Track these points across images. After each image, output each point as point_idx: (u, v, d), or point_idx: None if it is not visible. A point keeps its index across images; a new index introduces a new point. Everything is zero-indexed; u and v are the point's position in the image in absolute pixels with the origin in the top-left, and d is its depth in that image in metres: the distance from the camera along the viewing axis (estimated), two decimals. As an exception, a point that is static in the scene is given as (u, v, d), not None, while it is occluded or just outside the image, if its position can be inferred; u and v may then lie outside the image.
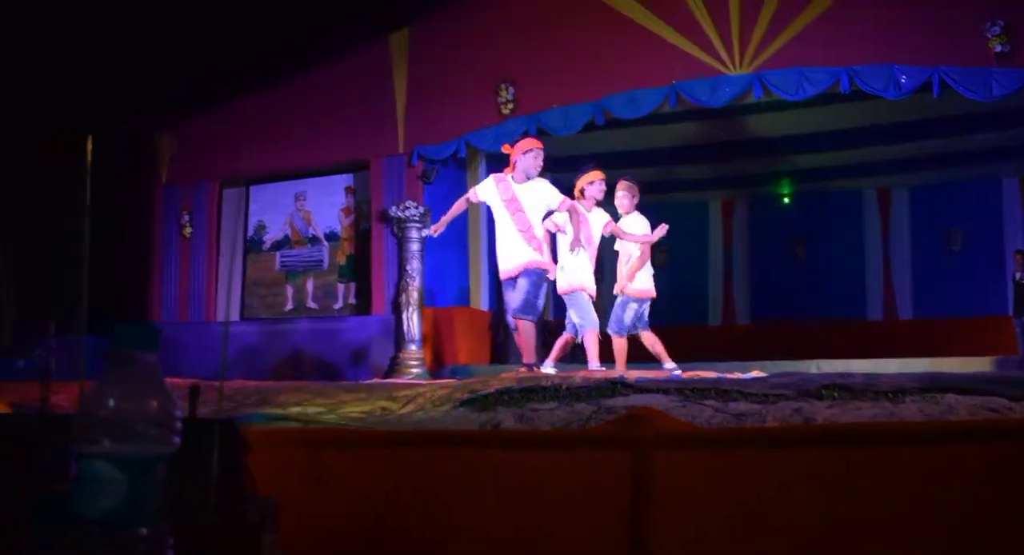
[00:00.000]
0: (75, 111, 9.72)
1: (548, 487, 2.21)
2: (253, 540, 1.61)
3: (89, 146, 1.43)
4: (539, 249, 6.33)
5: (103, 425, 0.99)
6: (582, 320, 6.53)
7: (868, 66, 8.08)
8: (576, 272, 6.58)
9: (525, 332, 6.25)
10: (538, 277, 6.29)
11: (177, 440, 1.07)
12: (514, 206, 6.39)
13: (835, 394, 3.47)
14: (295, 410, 3.93)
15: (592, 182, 6.90)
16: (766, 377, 4.53)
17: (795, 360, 7.94)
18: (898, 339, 11.48)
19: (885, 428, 2.25)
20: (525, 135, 9.28)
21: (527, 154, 6.48)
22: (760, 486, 2.02)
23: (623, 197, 7.12)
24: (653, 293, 7.06)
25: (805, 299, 12.33)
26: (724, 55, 8.65)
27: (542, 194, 6.42)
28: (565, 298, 6.74)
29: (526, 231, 6.33)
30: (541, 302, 6.34)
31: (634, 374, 4.62)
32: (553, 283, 6.64)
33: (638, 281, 6.96)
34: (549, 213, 6.55)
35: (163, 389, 1.06)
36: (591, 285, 6.68)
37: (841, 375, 3.90)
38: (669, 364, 6.72)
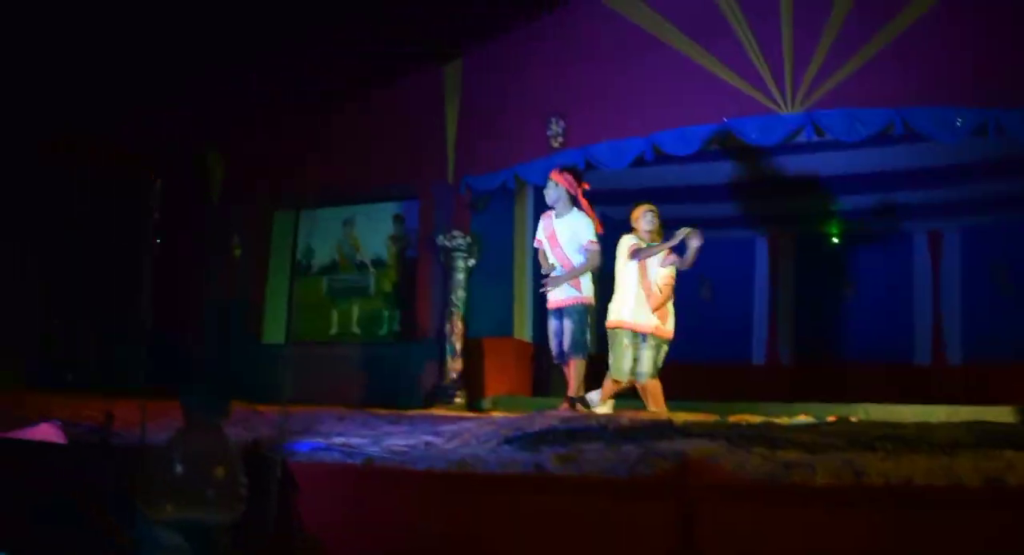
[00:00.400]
0: (137, 133, 9.95)
1: (595, 535, 2.19)
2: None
3: (158, 186, 1.45)
4: (577, 285, 6.32)
5: (167, 490, 0.98)
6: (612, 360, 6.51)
7: (923, 108, 7.97)
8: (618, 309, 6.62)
9: (575, 368, 6.34)
10: (580, 313, 6.29)
11: (242, 507, 1.05)
12: (552, 241, 6.51)
13: (888, 446, 3.41)
14: (339, 440, 3.95)
15: (641, 215, 6.93)
16: (816, 424, 4.46)
17: (841, 403, 7.81)
18: (947, 384, 11.26)
19: (945, 493, 2.21)
20: (574, 167, 9.35)
21: (557, 186, 6.69)
22: (811, 547, 1.99)
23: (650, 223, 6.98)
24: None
25: (852, 340, 12.17)
26: (776, 94, 8.60)
27: (575, 228, 6.54)
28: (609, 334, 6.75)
29: (565, 266, 6.43)
30: (588, 337, 6.32)
31: (682, 417, 4.58)
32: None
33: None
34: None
35: (229, 456, 1.05)
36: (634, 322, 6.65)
37: (894, 426, 3.83)
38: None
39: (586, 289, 6.59)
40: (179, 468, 1.03)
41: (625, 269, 6.74)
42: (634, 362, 6.52)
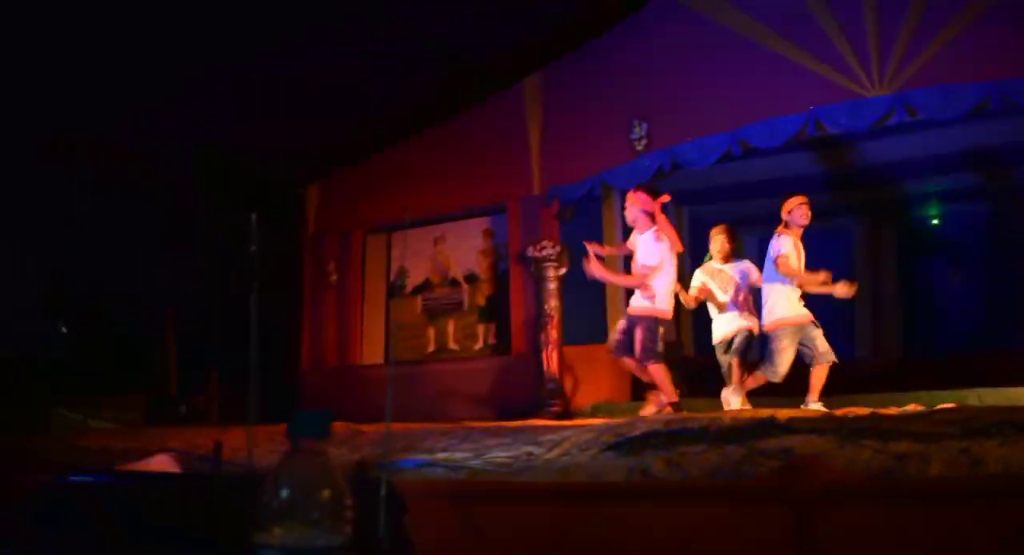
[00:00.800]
0: (243, 174, 10.27)
1: (704, 542, 2.15)
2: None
3: (254, 226, 1.49)
4: (651, 296, 6.85)
5: (276, 515, 1.01)
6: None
7: (1020, 79, 7.66)
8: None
9: (655, 373, 6.80)
10: (650, 322, 6.84)
11: (348, 530, 1.07)
12: (632, 255, 6.80)
13: (1006, 431, 3.26)
14: (442, 456, 3.99)
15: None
16: (929, 411, 4.30)
17: (953, 390, 7.51)
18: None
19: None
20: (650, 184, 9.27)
21: (632, 206, 7.16)
22: (937, 545, 1.90)
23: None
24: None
25: (961, 325, 11.71)
26: (863, 77, 8.38)
27: (644, 249, 7.11)
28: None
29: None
30: (659, 345, 6.86)
31: (785, 413, 4.48)
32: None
33: None
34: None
35: (334, 478, 1.07)
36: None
37: (1010, 410, 3.66)
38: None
39: (660, 301, 6.97)
40: (286, 492, 1.05)
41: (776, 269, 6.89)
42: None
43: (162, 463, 4.12)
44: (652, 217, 7.23)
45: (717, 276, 7.49)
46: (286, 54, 8.80)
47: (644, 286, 6.94)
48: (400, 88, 9.81)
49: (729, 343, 7.19)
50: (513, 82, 10.33)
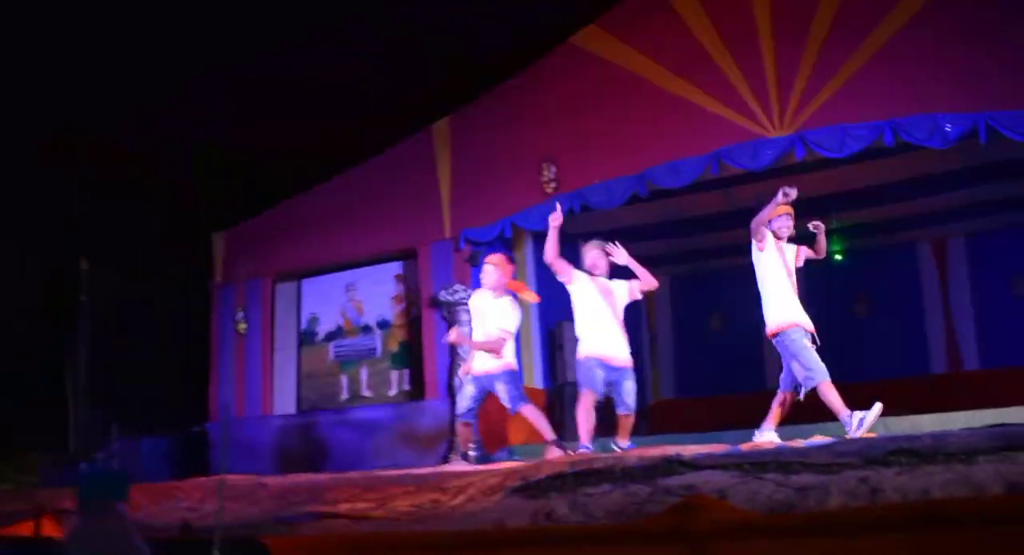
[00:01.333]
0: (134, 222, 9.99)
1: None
2: None
3: (85, 269, 1.39)
4: (501, 356, 7.15)
5: None
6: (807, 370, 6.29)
7: (911, 117, 7.95)
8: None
9: (530, 415, 7.10)
10: (509, 376, 7.12)
11: None
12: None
13: (902, 459, 3.30)
14: (344, 507, 3.86)
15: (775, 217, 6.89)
16: (830, 443, 4.35)
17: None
18: (964, 391, 11.06)
19: (963, 506, 2.10)
20: (570, 213, 9.33)
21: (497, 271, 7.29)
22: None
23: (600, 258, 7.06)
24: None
25: (866, 357, 11.99)
26: (763, 118, 8.62)
27: (500, 310, 7.22)
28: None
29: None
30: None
31: (691, 450, 4.48)
32: None
33: None
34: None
35: (134, 543, 0.97)
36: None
37: (908, 438, 3.72)
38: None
39: (508, 355, 7.18)
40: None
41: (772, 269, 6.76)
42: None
43: (50, 527, 3.90)
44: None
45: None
46: (204, 100, 8.70)
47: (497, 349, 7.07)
48: (306, 133, 9.71)
49: None
50: (422, 127, 10.32)
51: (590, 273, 7.03)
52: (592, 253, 7.03)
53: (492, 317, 7.15)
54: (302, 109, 9.35)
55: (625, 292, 7.12)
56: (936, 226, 11.97)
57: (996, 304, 12.15)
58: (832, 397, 6.13)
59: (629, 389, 6.82)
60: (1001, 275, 12.21)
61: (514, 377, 7.15)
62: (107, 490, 0.91)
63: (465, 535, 2.49)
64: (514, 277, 7.62)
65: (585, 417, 6.64)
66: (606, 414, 6.99)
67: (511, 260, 7.76)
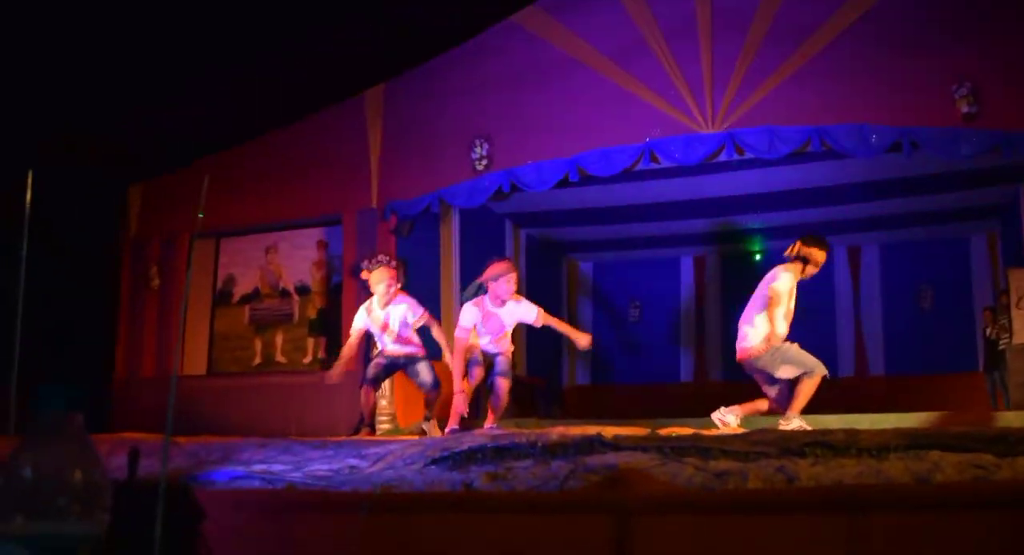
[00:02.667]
0: (44, 162, 9.59)
1: (526, 552, 2.10)
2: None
3: (29, 181, 1.31)
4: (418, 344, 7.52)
5: (17, 499, 0.82)
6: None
7: (839, 126, 8.16)
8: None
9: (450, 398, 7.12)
10: (428, 363, 7.57)
11: (105, 518, 0.89)
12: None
13: (817, 451, 3.39)
14: (259, 468, 3.79)
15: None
16: (747, 433, 4.44)
17: (767, 416, 7.85)
18: (870, 395, 11.47)
19: (877, 492, 2.17)
20: (499, 192, 9.34)
21: (499, 280, 6.91)
22: (747, 553, 1.93)
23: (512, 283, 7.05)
24: None
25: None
26: (697, 114, 8.72)
27: (402, 314, 7.48)
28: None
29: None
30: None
31: (612, 430, 4.52)
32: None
33: None
34: None
35: (91, 457, 0.89)
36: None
37: (822, 432, 3.82)
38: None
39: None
40: (28, 473, 0.84)
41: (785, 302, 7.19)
42: None
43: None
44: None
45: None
46: (127, 50, 8.36)
47: (409, 340, 7.53)
48: (235, 88, 9.46)
49: None
50: (355, 91, 10.15)
51: (495, 299, 7.00)
52: (511, 278, 6.96)
53: (393, 322, 7.57)
54: (235, 65, 9.08)
55: (526, 315, 7.16)
56: (853, 233, 12.33)
57: (903, 314, 12.59)
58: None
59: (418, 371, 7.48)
60: (909, 287, 12.66)
61: (429, 363, 7.58)
62: (63, 403, 0.84)
63: (388, 498, 2.47)
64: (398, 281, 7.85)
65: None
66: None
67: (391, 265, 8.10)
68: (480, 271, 7.14)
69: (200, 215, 9.69)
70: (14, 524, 0.83)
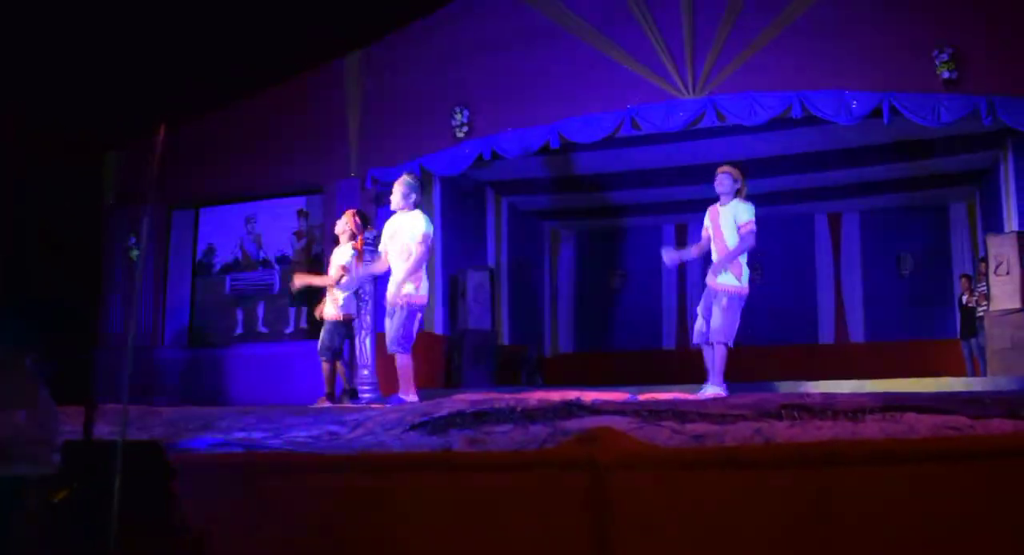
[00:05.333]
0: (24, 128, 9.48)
1: (504, 511, 2.10)
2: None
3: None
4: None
5: None
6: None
7: (819, 92, 8.15)
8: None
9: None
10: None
11: (55, 459, 0.86)
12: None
13: (794, 414, 3.42)
14: (239, 435, 3.79)
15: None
16: (725, 397, 4.47)
17: (749, 381, 7.91)
18: (850, 361, 11.56)
19: (850, 448, 2.19)
20: (479, 159, 9.29)
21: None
22: (723, 508, 1.94)
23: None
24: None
25: (758, 323, 12.36)
26: (678, 80, 8.68)
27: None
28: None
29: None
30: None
31: (591, 396, 4.54)
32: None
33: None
34: None
35: (39, 398, 0.86)
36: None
37: (799, 395, 3.85)
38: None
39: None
40: None
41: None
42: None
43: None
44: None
45: None
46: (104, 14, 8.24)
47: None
48: (212, 54, 9.33)
49: None
50: (333, 58, 10.04)
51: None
52: None
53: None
54: (213, 27, 8.96)
55: None
56: (833, 200, 12.36)
57: (882, 281, 12.67)
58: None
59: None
60: (888, 253, 12.72)
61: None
62: (9, 338, 0.81)
63: (366, 458, 2.47)
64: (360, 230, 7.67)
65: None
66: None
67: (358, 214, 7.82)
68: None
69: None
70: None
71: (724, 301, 6.33)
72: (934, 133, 9.04)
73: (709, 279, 6.47)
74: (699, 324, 6.49)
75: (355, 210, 8.07)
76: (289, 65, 10.03)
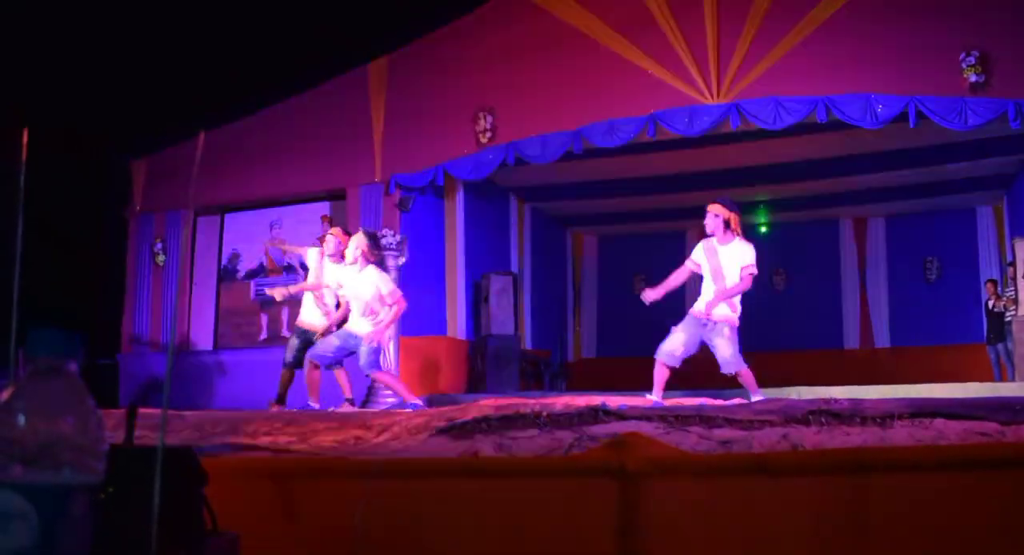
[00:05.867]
0: (52, 137, 9.56)
1: (531, 518, 2.10)
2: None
3: (25, 139, 1.28)
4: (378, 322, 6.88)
5: (10, 447, 0.81)
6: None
7: (845, 96, 8.11)
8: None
9: (387, 379, 7.25)
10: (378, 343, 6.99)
11: (100, 467, 0.88)
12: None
13: (822, 420, 3.39)
14: (265, 440, 3.81)
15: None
16: (751, 402, 4.45)
17: (774, 387, 7.85)
18: (875, 367, 11.47)
19: (882, 454, 2.17)
20: (503, 165, 9.30)
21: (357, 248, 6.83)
22: (754, 516, 1.93)
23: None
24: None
25: (783, 329, 12.31)
26: (702, 85, 8.66)
27: (370, 281, 6.83)
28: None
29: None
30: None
31: (616, 401, 4.53)
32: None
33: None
34: None
35: (86, 406, 0.87)
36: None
37: (827, 401, 3.83)
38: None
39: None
40: (22, 419, 0.83)
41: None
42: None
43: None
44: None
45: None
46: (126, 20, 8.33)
47: (374, 312, 6.91)
48: (238, 61, 9.41)
49: None
50: (358, 64, 10.09)
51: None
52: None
53: (361, 287, 6.92)
54: (238, 34, 9.04)
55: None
56: (859, 204, 12.28)
57: (908, 286, 12.56)
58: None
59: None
60: (915, 258, 12.62)
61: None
62: (57, 348, 0.82)
63: (393, 463, 2.47)
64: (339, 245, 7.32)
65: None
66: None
67: (347, 232, 7.49)
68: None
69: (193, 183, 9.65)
70: (12, 472, 0.82)
71: (727, 332, 6.28)
72: (961, 136, 8.96)
73: (702, 311, 6.37)
74: (675, 347, 6.38)
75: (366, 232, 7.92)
76: (314, 72, 10.09)
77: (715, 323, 6.31)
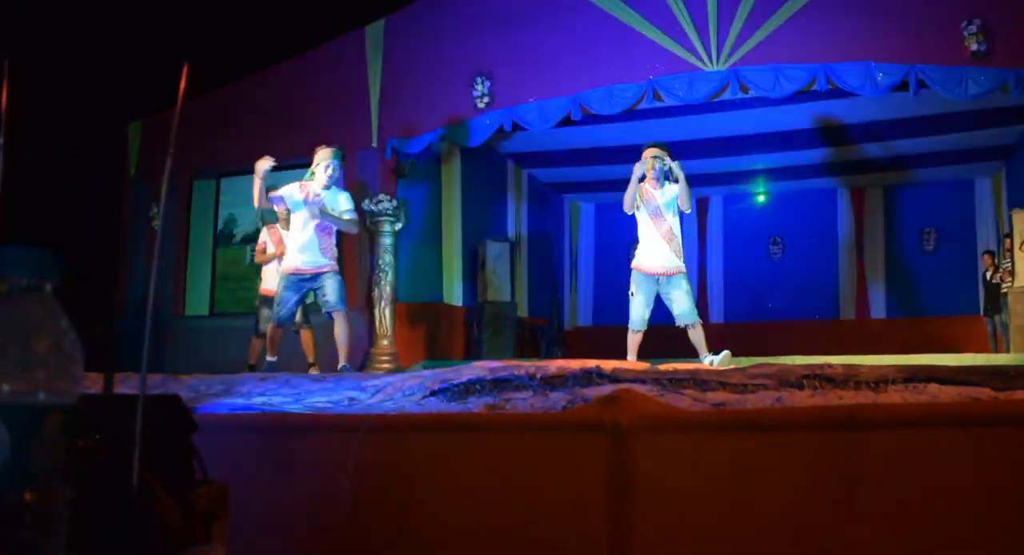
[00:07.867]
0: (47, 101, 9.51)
1: (523, 472, 2.11)
2: (202, 525, 1.49)
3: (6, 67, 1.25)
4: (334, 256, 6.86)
5: None
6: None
7: (845, 63, 8.05)
8: None
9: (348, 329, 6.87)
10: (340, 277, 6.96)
11: (75, 390, 0.86)
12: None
13: (816, 384, 3.39)
14: (259, 399, 3.81)
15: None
16: (745, 367, 4.45)
17: (769, 356, 7.88)
18: (871, 337, 11.50)
19: (873, 412, 2.17)
20: (500, 131, 9.26)
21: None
22: (745, 471, 1.94)
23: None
24: None
25: (779, 298, 12.32)
26: (701, 51, 8.59)
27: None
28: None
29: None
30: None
31: (611, 364, 4.53)
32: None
33: None
34: None
35: (60, 328, 0.85)
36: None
37: (820, 365, 3.83)
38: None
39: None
40: None
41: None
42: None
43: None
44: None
45: None
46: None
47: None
48: (233, 22, 9.31)
49: None
50: (354, 26, 9.99)
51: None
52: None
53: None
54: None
55: None
56: (857, 174, 12.24)
57: (905, 256, 12.57)
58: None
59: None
60: (912, 229, 12.61)
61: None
62: (31, 269, 0.79)
63: (385, 419, 2.47)
64: None
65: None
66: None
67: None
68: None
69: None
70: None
71: (685, 284, 6.39)
72: (961, 106, 8.92)
73: (663, 267, 6.46)
74: (643, 312, 6.49)
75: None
76: (310, 35, 10.00)
77: (670, 277, 6.38)
